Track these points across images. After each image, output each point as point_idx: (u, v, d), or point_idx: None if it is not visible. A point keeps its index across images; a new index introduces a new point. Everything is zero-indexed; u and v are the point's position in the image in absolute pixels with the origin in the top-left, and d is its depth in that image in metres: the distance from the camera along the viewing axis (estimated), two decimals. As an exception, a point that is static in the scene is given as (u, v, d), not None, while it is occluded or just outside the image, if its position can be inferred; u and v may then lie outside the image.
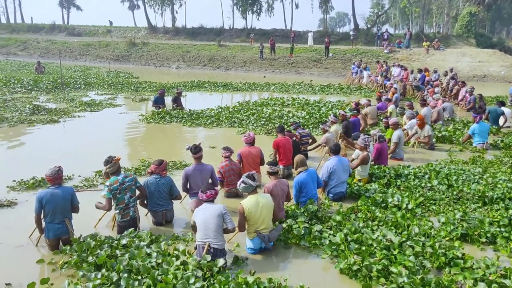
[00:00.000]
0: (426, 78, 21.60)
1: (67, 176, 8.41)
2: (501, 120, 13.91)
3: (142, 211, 6.67)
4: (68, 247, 5.38)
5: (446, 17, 57.99)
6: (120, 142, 12.18)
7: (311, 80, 27.09)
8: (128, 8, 74.04)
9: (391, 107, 14.49)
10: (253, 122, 14.10)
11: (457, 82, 19.97)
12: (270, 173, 6.39)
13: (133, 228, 5.92)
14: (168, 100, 16.98)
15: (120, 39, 48.32)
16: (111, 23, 61.06)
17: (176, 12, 58.90)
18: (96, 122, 14.76)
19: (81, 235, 5.68)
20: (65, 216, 5.69)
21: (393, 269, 4.81)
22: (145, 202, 6.61)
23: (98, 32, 54.86)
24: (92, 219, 6.41)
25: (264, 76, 31.18)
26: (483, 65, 31.91)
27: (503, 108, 14.21)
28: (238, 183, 5.85)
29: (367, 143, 8.36)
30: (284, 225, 6.09)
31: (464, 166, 9.44)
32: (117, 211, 6.08)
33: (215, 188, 5.59)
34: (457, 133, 12.47)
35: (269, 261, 5.55)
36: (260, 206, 5.57)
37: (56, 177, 5.66)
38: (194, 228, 5.46)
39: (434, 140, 11.66)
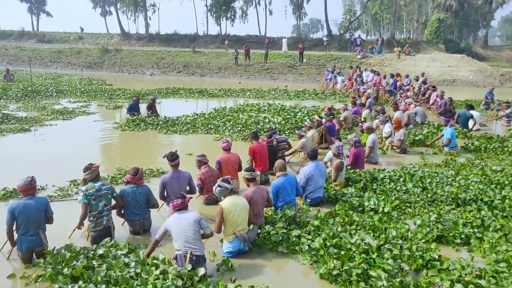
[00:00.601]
0: (398, 83, 22.06)
1: (40, 186, 8.18)
2: (470, 123, 14.30)
3: (117, 220, 6.54)
4: (42, 260, 5.21)
5: (416, 23, 59.51)
6: (95, 150, 11.95)
7: (286, 86, 27.30)
8: (100, 14, 73.16)
9: (365, 112, 14.71)
10: (229, 128, 14.07)
11: (429, 87, 20.45)
12: (248, 180, 6.39)
13: (109, 238, 5.81)
14: (143, 107, 16.79)
15: (92, 46, 47.60)
16: (82, 29, 60.10)
17: (150, 19, 58.71)
18: (69, 130, 14.43)
19: (54, 247, 5.52)
20: (39, 227, 5.53)
21: (372, 272, 4.86)
22: (122, 211, 6.49)
23: (69, 38, 53.90)
24: (66, 229, 6.26)
25: (240, 82, 31.23)
26: (452, 70, 32.83)
27: (472, 112, 14.62)
28: (214, 187, 5.88)
29: (340, 152, 8.42)
30: (262, 230, 6.09)
31: (438, 169, 9.65)
32: (91, 218, 5.96)
33: (187, 196, 5.52)
34: (433, 136, 12.70)
35: (249, 268, 5.52)
36: (238, 207, 5.69)
37: (29, 187, 5.51)
38: (157, 241, 5.35)
39: (407, 143, 11.89)
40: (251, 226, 5.96)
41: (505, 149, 11.45)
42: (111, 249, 5.45)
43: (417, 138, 12.48)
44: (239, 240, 5.70)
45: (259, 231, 6.08)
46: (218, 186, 5.79)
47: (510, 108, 15.81)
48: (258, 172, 8.59)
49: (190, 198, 5.78)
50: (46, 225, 5.67)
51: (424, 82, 21.83)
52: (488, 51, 49.43)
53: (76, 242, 5.86)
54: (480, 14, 56.91)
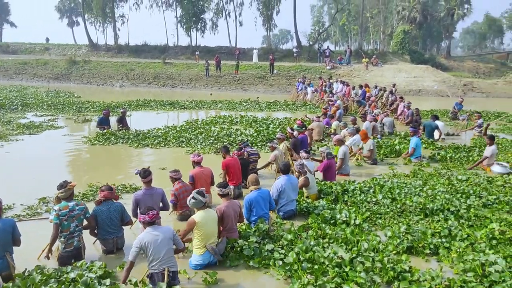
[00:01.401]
0: (367, 94, 22.54)
1: (7, 205, 7.93)
2: (436, 134, 14.74)
3: (89, 239, 6.41)
4: (10, 284, 5.04)
5: (382, 34, 61.10)
6: (64, 166, 11.69)
7: (258, 97, 27.45)
8: (67, 25, 72.14)
9: (335, 123, 14.96)
10: (201, 141, 14.02)
11: (397, 97, 21.00)
12: (221, 195, 6.43)
13: (84, 260, 5.67)
14: (113, 120, 16.54)
15: (59, 57, 46.66)
16: (47, 40, 58.86)
17: (119, 30, 57.98)
18: (36, 145, 14.06)
19: (25, 269, 5.35)
20: (6, 250, 5.35)
21: (345, 287, 4.94)
22: (95, 231, 6.36)
23: (35, 49, 52.76)
24: (35, 249, 6.07)
25: (211, 94, 31.22)
26: (418, 80, 33.84)
27: (437, 122, 15.09)
28: (188, 199, 5.92)
29: (300, 170, 8.47)
30: (236, 245, 6.11)
31: (406, 179, 9.90)
32: (61, 239, 5.82)
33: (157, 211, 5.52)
34: (403, 146, 12.98)
35: (223, 285, 5.51)
36: (210, 220, 5.85)
37: (-6, 209, 5.34)
38: (133, 263, 5.11)
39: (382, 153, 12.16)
40: (220, 238, 6.05)
41: (470, 158, 11.87)
42: (84, 272, 5.27)
43: (397, 147, 12.77)
44: (209, 253, 5.77)
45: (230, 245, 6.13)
46: (193, 198, 5.85)
47: (481, 119, 16.38)
48: (231, 187, 8.60)
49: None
50: (14, 247, 5.50)
51: (392, 93, 22.38)
52: (451, 61, 51.17)
53: (48, 263, 5.70)
54: (443, 26, 58.95)
